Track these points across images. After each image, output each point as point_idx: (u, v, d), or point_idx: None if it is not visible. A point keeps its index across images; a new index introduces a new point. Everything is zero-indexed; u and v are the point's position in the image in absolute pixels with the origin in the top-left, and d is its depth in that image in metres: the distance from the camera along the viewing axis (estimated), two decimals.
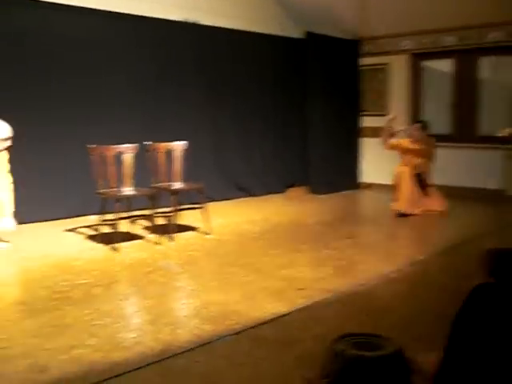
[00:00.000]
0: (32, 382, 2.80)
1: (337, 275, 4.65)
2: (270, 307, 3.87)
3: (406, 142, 7.55)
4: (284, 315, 3.73)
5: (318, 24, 9.30)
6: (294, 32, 9.52)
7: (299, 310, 3.83)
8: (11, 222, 5.68)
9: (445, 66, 9.42)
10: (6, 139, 5.44)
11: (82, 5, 6.92)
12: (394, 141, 7.61)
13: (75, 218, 6.78)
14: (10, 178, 5.73)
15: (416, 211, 7.26)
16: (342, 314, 3.82)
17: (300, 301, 4.00)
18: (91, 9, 7.00)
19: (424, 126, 7.54)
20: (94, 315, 3.73)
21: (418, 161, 7.38)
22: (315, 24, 9.30)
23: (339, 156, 9.73)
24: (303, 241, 5.93)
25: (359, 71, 10.04)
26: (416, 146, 7.41)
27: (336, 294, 4.16)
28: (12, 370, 2.91)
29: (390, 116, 7.90)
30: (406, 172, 7.30)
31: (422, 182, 7.37)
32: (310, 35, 9.19)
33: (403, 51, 9.55)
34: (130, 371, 2.90)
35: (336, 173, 9.58)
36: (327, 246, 5.69)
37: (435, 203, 7.38)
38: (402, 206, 7.25)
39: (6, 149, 5.53)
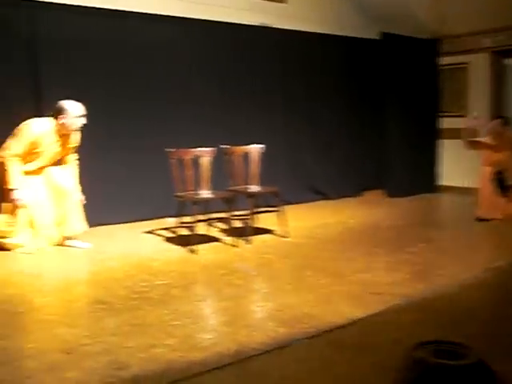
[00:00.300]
0: (112, 378, 2.87)
1: (413, 280, 4.57)
2: (346, 311, 3.84)
3: (486, 139, 7.33)
4: (360, 320, 3.69)
5: (393, 24, 9.15)
6: (369, 33, 9.41)
7: (375, 315, 3.78)
8: (82, 224, 5.87)
9: None
10: (81, 116, 5.62)
11: (161, 13, 7.10)
12: (474, 139, 7.40)
13: (153, 220, 6.94)
14: (75, 156, 5.97)
15: (497, 215, 7.03)
16: (419, 319, 3.74)
17: (376, 305, 3.95)
18: (170, 16, 7.17)
19: (505, 121, 7.29)
20: (173, 315, 3.80)
21: (498, 157, 7.13)
22: (391, 24, 9.15)
23: (417, 158, 9.55)
24: (379, 244, 5.86)
25: (438, 71, 9.83)
26: (496, 142, 7.17)
27: (413, 299, 4.08)
28: (93, 366, 3.00)
29: (473, 115, 7.67)
30: (486, 173, 7.10)
31: (502, 181, 7.11)
32: (386, 36, 9.07)
33: (484, 49, 9.26)
34: (206, 371, 2.94)
35: (413, 175, 9.40)
36: (403, 250, 5.60)
37: None
38: (481, 210, 7.05)
39: (81, 127, 5.72)
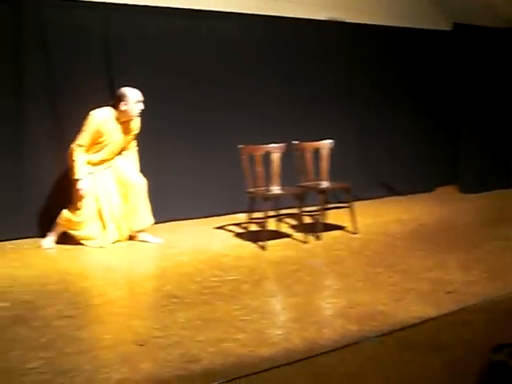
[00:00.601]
0: (183, 370, 2.92)
1: (489, 279, 4.44)
2: (418, 310, 3.77)
3: None
4: (432, 319, 3.62)
5: (467, 14, 8.84)
6: (441, 24, 9.15)
7: (448, 315, 3.69)
8: (150, 217, 5.95)
9: None
10: (140, 101, 5.72)
11: (231, 10, 7.15)
12: None
13: (224, 216, 7.00)
14: (135, 143, 6.07)
15: None
16: (495, 320, 3.63)
17: (449, 305, 3.86)
18: (239, 13, 7.21)
19: None
20: (243, 311, 3.83)
21: None
22: (464, 14, 8.85)
23: (493, 153, 9.25)
24: (453, 242, 5.72)
25: None
26: None
27: (488, 299, 3.97)
28: (166, 358, 3.06)
29: None
30: None
31: None
32: (458, 26, 8.80)
33: None
34: (276, 367, 2.95)
35: (488, 171, 9.11)
36: (478, 248, 5.45)
37: None
38: None
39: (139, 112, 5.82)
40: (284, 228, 6.41)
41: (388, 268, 4.84)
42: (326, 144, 6.42)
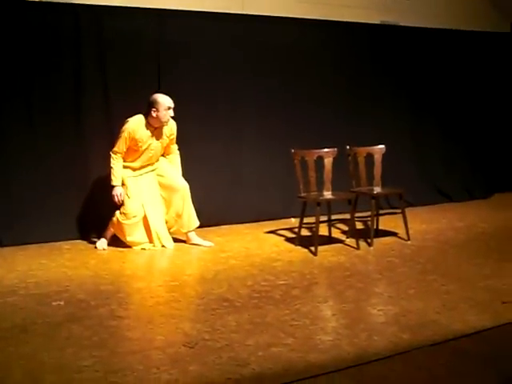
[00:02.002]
0: (232, 374, 2.92)
1: None
2: (473, 320, 3.68)
3: None
4: (488, 329, 3.52)
5: None
6: (500, 26, 8.93)
7: (505, 325, 3.59)
8: (195, 219, 5.96)
9: None
10: (170, 108, 5.73)
11: (280, 15, 7.15)
12: None
13: (276, 221, 6.99)
14: (176, 147, 6.09)
15: None
16: None
17: (506, 315, 3.76)
18: (290, 18, 7.19)
19: None
20: (293, 316, 3.81)
21: None
22: None
23: None
24: (510, 250, 5.57)
25: None
26: None
27: None
28: (215, 361, 3.07)
29: None
30: None
31: None
32: None
33: None
34: (325, 373, 2.92)
35: None
36: None
37: None
38: None
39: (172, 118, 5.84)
40: (336, 233, 6.36)
41: (441, 276, 4.74)
42: (379, 149, 6.35)
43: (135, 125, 5.75)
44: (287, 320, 3.73)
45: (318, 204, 5.60)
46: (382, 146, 6.36)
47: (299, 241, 5.91)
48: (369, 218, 6.15)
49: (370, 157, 6.30)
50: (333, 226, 6.45)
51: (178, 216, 5.90)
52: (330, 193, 5.94)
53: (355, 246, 5.75)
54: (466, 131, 8.67)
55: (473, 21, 8.71)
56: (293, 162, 5.88)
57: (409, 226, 6.08)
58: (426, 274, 4.86)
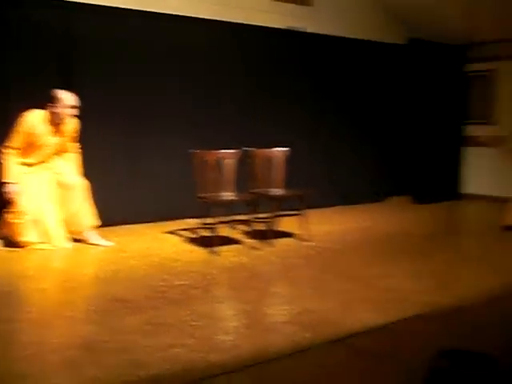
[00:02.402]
0: (130, 376, 2.86)
1: (438, 288, 4.50)
2: (367, 317, 3.78)
3: None
4: (382, 327, 3.64)
5: (421, 30, 9.08)
6: (397, 38, 9.32)
7: (397, 323, 3.72)
8: (93, 218, 5.86)
9: None
10: (73, 106, 5.61)
11: (185, 14, 7.09)
12: None
13: (176, 221, 6.94)
14: (76, 145, 5.95)
15: None
16: (442, 328, 3.68)
17: (398, 313, 3.89)
18: (195, 18, 7.16)
19: None
20: (192, 316, 3.78)
21: None
22: (418, 30, 9.08)
23: (442, 165, 9.47)
24: (404, 251, 5.79)
25: (466, 78, 9.70)
26: None
27: (437, 307, 4.02)
28: (112, 364, 2.99)
29: None
30: None
31: None
32: (413, 41, 9.01)
33: None
34: (225, 373, 2.91)
35: (439, 182, 9.32)
36: (429, 257, 5.53)
37: None
38: (509, 218, 6.96)
39: (73, 116, 5.72)
40: (236, 234, 6.38)
41: (339, 276, 4.86)
42: (280, 151, 6.42)
43: (34, 119, 5.55)
44: (187, 320, 3.70)
45: (219, 205, 5.60)
46: (284, 148, 6.44)
47: (199, 241, 5.89)
48: (269, 219, 6.22)
49: (272, 158, 6.36)
50: (233, 226, 6.48)
51: (76, 215, 5.73)
52: (230, 194, 5.95)
53: (255, 246, 5.79)
54: (364, 137, 8.95)
55: (375, 31, 9.07)
56: (193, 163, 5.85)
57: (309, 227, 6.19)
58: (324, 274, 4.96)
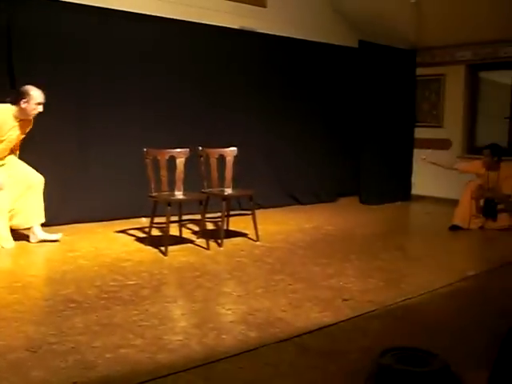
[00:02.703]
0: (79, 378, 2.84)
1: (386, 287, 4.59)
2: (316, 317, 3.84)
3: (478, 166, 7.44)
4: (330, 325, 3.70)
5: (372, 33, 9.23)
6: (349, 41, 9.46)
7: (346, 321, 3.79)
8: (41, 215, 5.81)
9: (503, 77, 9.23)
10: (41, 103, 5.56)
11: (140, 12, 7.05)
12: (463, 166, 7.58)
13: (126, 220, 6.89)
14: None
15: (473, 226, 7.14)
16: (390, 327, 3.76)
17: (347, 312, 3.96)
18: (149, 15, 7.12)
19: (493, 151, 7.26)
20: (142, 316, 3.77)
21: (487, 185, 7.26)
22: (370, 33, 9.23)
23: (392, 166, 9.64)
24: (353, 251, 5.88)
25: (415, 81, 9.92)
26: (485, 173, 7.32)
27: (384, 306, 4.11)
28: (60, 366, 2.96)
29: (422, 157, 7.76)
30: (470, 186, 7.20)
31: (493, 208, 7.19)
32: (362, 44, 9.14)
33: (460, 62, 9.40)
34: (174, 373, 2.92)
35: (388, 184, 9.48)
36: (377, 257, 5.63)
37: (499, 220, 7.19)
38: (456, 218, 7.14)
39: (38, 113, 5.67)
40: (186, 234, 6.37)
41: (289, 275, 4.90)
42: (231, 151, 6.44)
43: (3, 114, 5.49)
44: (136, 321, 3.69)
45: (169, 204, 5.58)
46: (234, 148, 6.46)
47: (149, 241, 5.86)
48: (219, 219, 6.23)
49: (222, 158, 6.38)
50: (184, 226, 6.47)
51: (26, 210, 5.66)
52: (181, 193, 5.94)
53: (205, 246, 5.79)
54: (314, 137, 9.05)
55: (326, 34, 9.20)
56: (144, 161, 5.82)
57: (259, 227, 6.23)
58: (273, 273, 5.00)
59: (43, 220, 5.80)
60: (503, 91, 9.18)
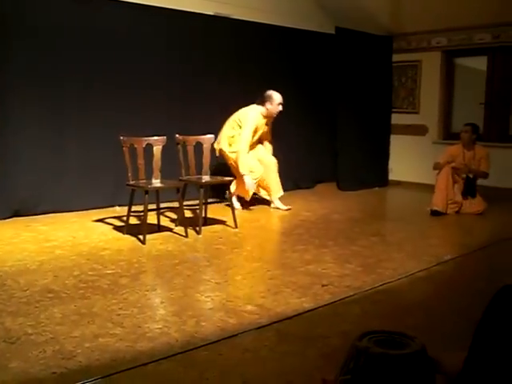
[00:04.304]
0: (58, 368, 2.83)
1: (364, 272, 4.63)
2: (295, 302, 3.87)
3: (453, 150, 7.60)
4: (309, 311, 3.72)
5: (349, 19, 9.23)
6: (326, 27, 9.46)
7: (324, 307, 3.82)
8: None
9: (478, 63, 9.31)
10: (281, 103, 6.97)
11: None
12: (442, 157, 7.69)
13: (104, 209, 6.85)
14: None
15: (450, 211, 7.22)
16: (368, 311, 3.80)
17: (325, 297, 3.99)
18: (122, 1, 7.03)
19: (474, 129, 7.49)
20: (121, 305, 3.76)
21: (465, 163, 7.39)
22: (346, 19, 9.24)
23: (369, 153, 9.68)
24: (331, 237, 5.91)
25: (391, 68, 9.96)
26: (461, 152, 7.47)
27: (362, 291, 4.14)
28: (39, 356, 2.95)
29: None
30: (446, 171, 7.26)
31: (470, 186, 7.30)
32: (339, 30, 9.14)
33: (435, 48, 9.47)
34: (154, 361, 2.92)
35: (365, 169, 9.53)
36: (355, 242, 5.67)
37: (472, 205, 7.31)
38: (435, 203, 7.20)
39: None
40: (164, 222, 6.36)
41: (267, 262, 4.93)
42: (208, 138, 6.42)
43: (258, 114, 7.12)
44: (115, 309, 3.68)
45: (147, 192, 5.55)
46: (211, 136, 6.45)
47: (127, 229, 5.84)
48: (197, 207, 6.22)
49: (199, 146, 6.36)
50: (161, 214, 6.45)
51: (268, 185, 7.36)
52: (158, 181, 5.92)
53: (184, 234, 5.78)
54: (291, 124, 9.02)
55: (302, 20, 9.15)
56: (121, 149, 5.77)
57: (237, 214, 6.23)
58: (252, 260, 5.02)
59: (281, 193, 7.40)
60: (478, 77, 9.25)
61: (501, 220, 7.16)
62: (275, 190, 7.36)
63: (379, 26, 9.58)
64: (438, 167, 7.53)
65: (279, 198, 7.42)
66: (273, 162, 7.37)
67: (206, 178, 6.27)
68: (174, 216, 6.56)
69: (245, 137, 6.88)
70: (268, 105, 7.07)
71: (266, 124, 7.24)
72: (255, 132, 7.05)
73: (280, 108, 7.07)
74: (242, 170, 6.83)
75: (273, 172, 7.32)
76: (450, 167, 7.32)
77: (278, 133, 8.76)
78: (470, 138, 7.42)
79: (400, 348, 2.31)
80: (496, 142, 8.66)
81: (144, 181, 5.83)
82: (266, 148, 7.49)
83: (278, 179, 7.37)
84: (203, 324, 3.47)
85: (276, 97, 7.06)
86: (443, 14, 8.70)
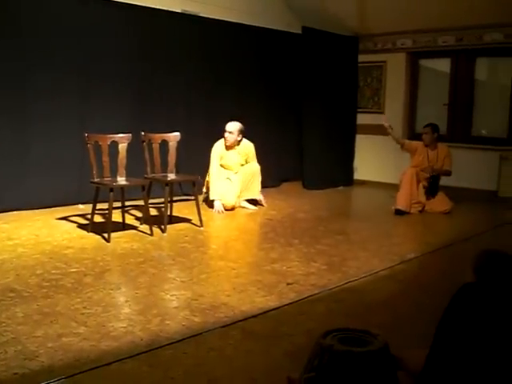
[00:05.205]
0: (20, 368, 2.79)
1: (328, 271, 4.66)
2: (260, 301, 3.88)
3: (418, 145, 7.74)
4: (274, 309, 3.74)
5: (316, 19, 9.28)
6: (293, 27, 9.49)
7: (289, 305, 3.84)
8: None
9: (442, 65, 9.46)
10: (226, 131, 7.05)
11: None
12: (407, 142, 7.89)
13: (67, 207, 6.77)
14: None
15: (413, 210, 7.32)
16: (333, 309, 3.83)
17: (290, 295, 4.01)
18: None
19: (434, 128, 7.66)
20: (85, 304, 3.73)
21: (429, 164, 7.53)
22: (314, 19, 9.28)
23: (334, 152, 9.75)
24: (296, 236, 5.94)
25: (357, 68, 10.05)
26: (425, 151, 7.63)
27: (327, 289, 4.17)
28: (1, 357, 2.90)
29: (386, 124, 7.88)
30: (410, 171, 7.38)
31: (432, 186, 7.43)
32: (306, 30, 9.18)
33: (400, 49, 9.59)
34: (118, 360, 2.90)
35: (330, 168, 9.60)
36: (320, 241, 5.70)
37: (439, 204, 7.42)
38: (399, 203, 7.29)
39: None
40: (129, 220, 6.31)
41: (232, 261, 4.93)
42: (174, 136, 6.39)
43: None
44: (79, 308, 3.64)
45: (112, 190, 5.50)
46: (177, 134, 6.41)
47: (92, 227, 5.77)
48: (163, 205, 6.20)
49: (165, 143, 6.32)
50: (126, 212, 6.40)
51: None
52: (123, 179, 5.86)
53: (149, 232, 5.75)
54: (257, 123, 9.01)
55: (270, 19, 9.18)
56: (86, 147, 5.71)
57: (202, 212, 6.22)
58: (217, 259, 5.02)
59: (257, 197, 7.58)
60: (442, 79, 9.41)
61: (464, 219, 7.29)
62: (253, 192, 7.54)
63: (346, 26, 9.66)
64: (399, 142, 7.85)
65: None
66: (256, 169, 7.63)
67: (171, 176, 6.24)
68: (139, 214, 6.52)
69: (210, 166, 7.28)
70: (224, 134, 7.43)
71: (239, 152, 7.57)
72: (222, 159, 7.42)
73: (225, 135, 7.39)
74: (211, 196, 7.14)
75: (257, 180, 7.60)
76: (414, 169, 7.44)
77: (245, 131, 8.79)
78: (432, 137, 7.58)
79: (363, 345, 2.34)
80: (459, 143, 8.80)
81: (109, 178, 5.78)
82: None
83: (259, 185, 7.61)
84: (168, 323, 3.46)
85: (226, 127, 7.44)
86: (408, 16, 8.81)
